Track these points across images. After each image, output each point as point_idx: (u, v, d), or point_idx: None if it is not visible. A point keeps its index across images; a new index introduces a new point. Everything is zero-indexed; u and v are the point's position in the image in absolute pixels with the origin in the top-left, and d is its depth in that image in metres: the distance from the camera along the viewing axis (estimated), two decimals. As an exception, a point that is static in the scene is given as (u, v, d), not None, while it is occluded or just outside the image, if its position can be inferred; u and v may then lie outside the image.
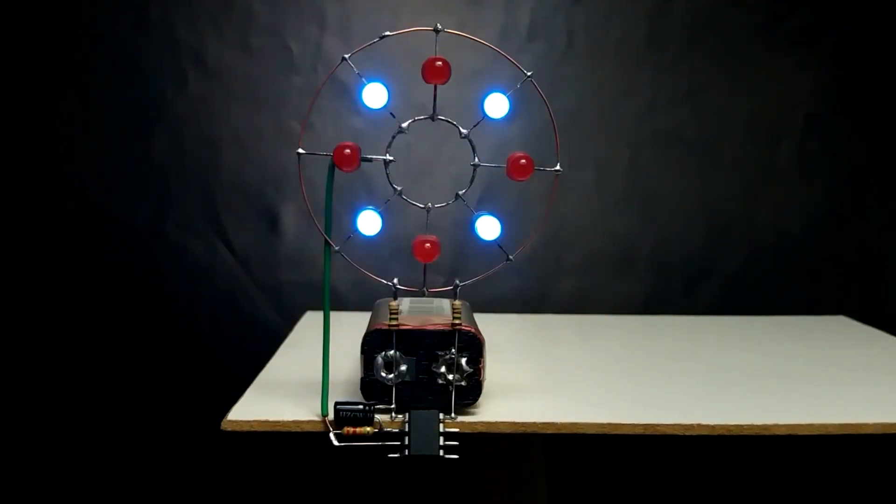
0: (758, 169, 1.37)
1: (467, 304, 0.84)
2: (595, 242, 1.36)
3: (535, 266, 1.34)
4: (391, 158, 0.73)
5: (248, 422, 0.73)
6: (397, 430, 0.71)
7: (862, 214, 1.39)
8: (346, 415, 0.71)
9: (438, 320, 0.74)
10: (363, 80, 0.72)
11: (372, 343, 0.73)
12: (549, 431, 0.73)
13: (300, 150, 0.72)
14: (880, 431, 0.75)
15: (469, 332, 0.73)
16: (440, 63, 0.71)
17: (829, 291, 1.38)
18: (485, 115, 0.72)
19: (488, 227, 0.73)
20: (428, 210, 0.74)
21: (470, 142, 0.73)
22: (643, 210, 1.36)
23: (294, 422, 0.73)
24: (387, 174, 0.73)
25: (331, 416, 0.72)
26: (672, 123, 1.35)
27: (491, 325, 0.84)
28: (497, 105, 0.72)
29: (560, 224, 1.34)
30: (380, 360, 0.73)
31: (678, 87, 1.35)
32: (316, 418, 0.73)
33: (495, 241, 0.73)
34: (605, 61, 1.34)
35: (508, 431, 0.72)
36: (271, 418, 0.73)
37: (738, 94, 1.36)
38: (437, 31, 0.71)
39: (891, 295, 1.39)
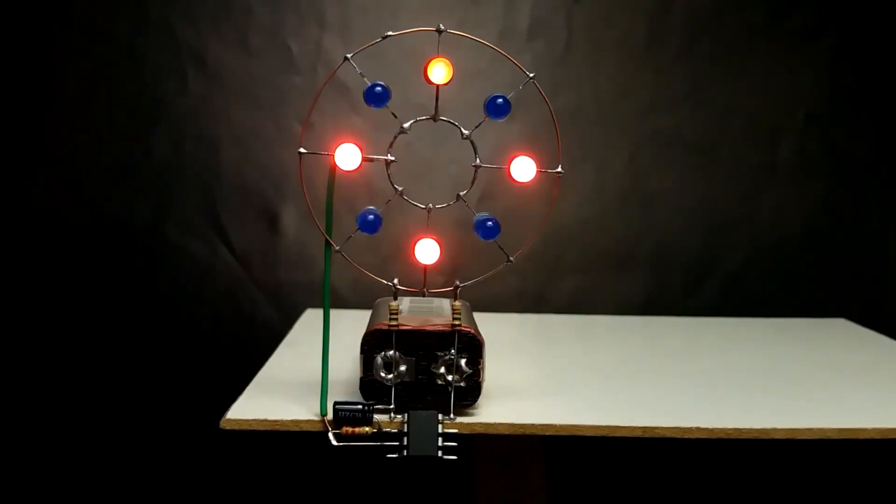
0: (758, 169, 1.37)
1: (467, 304, 0.84)
2: (595, 242, 1.36)
3: (535, 266, 1.34)
4: (392, 159, 0.73)
5: (247, 420, 0.73)
6: (396, 431, 0.71)
7: (862, 214, 1.39)
8: (345, 415, 0.71)
9: (438, 321, 0.74)
10: (366, 80, 0.71)
11: (371, 343, 0.73)
12: (547, 433, 0.73)
13: (301, 150, 0.72)
14: (879, 437, 0.75)
15: (469, 333, 0.73)
16: (442, 64, 0.71)
17: (829, 292, 1.38)
18: (488, 115, 0.72)
19: (523, 169, 0.73)
20: (429, 211, 0.74)
21: (471, 142, 0.73)
22: (643, 210, 1.36)
23: (293, 421, 0.73)
24: (388, 174, 0.73)
25: (330, 415, 0.72)
26: (672, 123, 1.35)
27: (491, 325, 0.84)
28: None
29: (560, 224, 1.33)
30: (379, 360, 0.73)
31: (678, 87, 1.35)
32: (315, 418, 0.73)
33: (495, 238, 0.73)
34: (605, 61, 1.34)
35: (507, 433, 0.73)
36: (270, 417, 0.73)
37: (738, 94, 1.36)
38: (439, 31, 0.71)
39: (891, 296, 1.39)
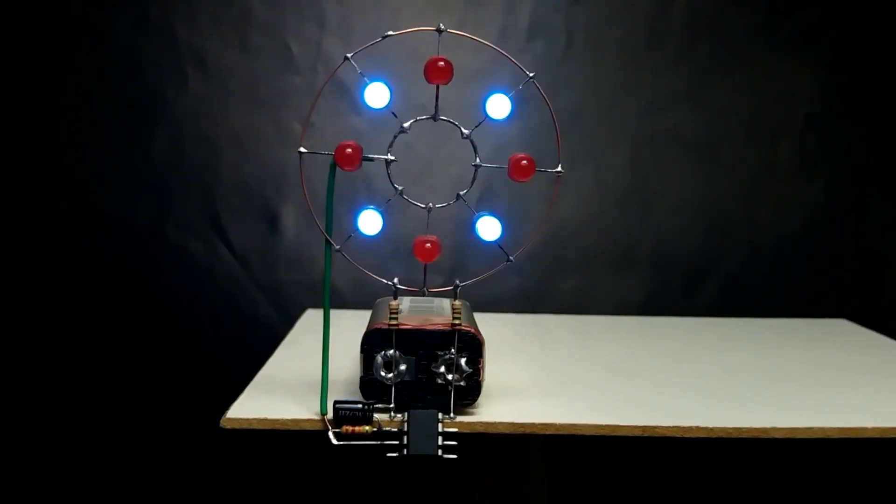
0: (758, 169, 1.37)
1: (467, 303, 0.84)
2: (595, 242, 1.36)
3: (535, 266, 1.34)
4: (393, 158, 0.73)
5: (248, 419, 0.73)
6: (396, 430, 0.71)
7: (862, 214, 1.39)
8: (345, 414, 0.71)
9: (438, 320, 0.74)
10: (365, 79, 0.72)
11: (372, 342, 0.73)
12: (547, 432, 0.73)
13: (302, 149, 0.72)
14: (880, 436, 0.74)
15: (469, 332, 0.73)
16: (443, 63, 0.71)
17: (829, 292, 1.39)
18: (487, 117, 0.72)
19: (489, 228, 0.73)
20: (429, 210, 0.74)
21: (471, 142, 0.73)
22: (643, 210, 1.36)
23: (293, 420, 0.73)
24: (388, 174, 0.73)
25: (330, 414, 0.72)
26: (672, 123, 1.35)
27: (491, 325, 0.84)
28: (499, 106, 0.72)
29: (560, 224, 1.34)
30: (379, 359, 0.73)
31: (678, 86, 1.35)
32: (315, 417, 0.73)
33: (496, 241, 0.74)
34: (605, 61, 1.34)
35: (507, 432, 0.72)
36: (270, 416, 0.73)
37: (738, 94, 1.36)
38: (439, 31, 0.71)
39: (891, 296, 1.39)
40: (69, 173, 1.31)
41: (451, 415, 0.73)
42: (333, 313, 0.76)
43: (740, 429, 0.73)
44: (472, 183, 0.74)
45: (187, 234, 1.32)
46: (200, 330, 1.33)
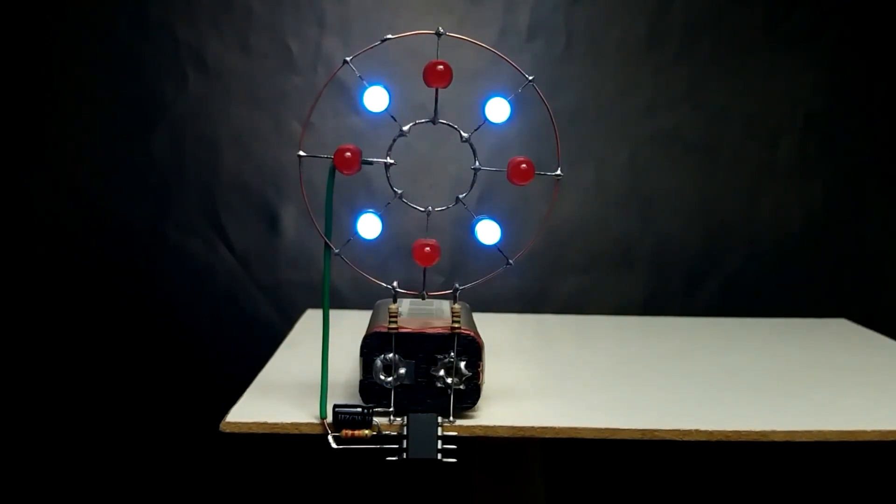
0: (758, 169, 1.37)
1: (467, 306, 0.84)
2: (595, 242, 1.36)
3: (535, 266, 1.34)
4: (392, 162, 0.73)
5: (247, 423, 0.73)
6: (396, 434, 0.71)
7: (862, 214, 1.39)
8: (345, 417, 0.71)
9: (438, 323, 0.74)
10: (364, 82, 0.71)
11: (371, 346, 0.73)
12: (547, 436, 0.73)
13: (301, 153, 0.72)
14: (879, 439, 0.74)
15: (468, 335, 0.73)
16: (442, 67, 0.70)
17: (829, 292, 1.38)
18: (486, 120, 0.72)
19: (488, 232, 0.73)
20: (428, 213, 0.74)
21: (471, 145, 0.73)
22: (643, 210, 1.36)
23: (293, 424, 0.73)
24: (387, 177, 0.73)
25: (329, 418, 0.72)
26: (672, 123, 1.35)
27: (490, 326, 0.84)
28: (499, 109, 0.72)
29: (560, 224, 1.33)
30: (379, 363, 0.73)
31: (678, 86, 1.35)
32: (314, 420, 0.73)
33: (495, 245, 0.73)
34: (605, 61, 1.34)
35: (506, 436, 0.72)
36: (270, 420, 0.73)
37: (738, 94, 1.36)
38: (438, 34, 0.71)
39: (891, 296, 1.39)
40: (69, 173, 1.31)
41: (451, 418, 0.73)
42: (333, 313, 0.76)
43: (740, 432, 0.73)
44: (472, 186, 0.74)
45: (187, 234, 1.32)
46: (200, 330, 1.33)
